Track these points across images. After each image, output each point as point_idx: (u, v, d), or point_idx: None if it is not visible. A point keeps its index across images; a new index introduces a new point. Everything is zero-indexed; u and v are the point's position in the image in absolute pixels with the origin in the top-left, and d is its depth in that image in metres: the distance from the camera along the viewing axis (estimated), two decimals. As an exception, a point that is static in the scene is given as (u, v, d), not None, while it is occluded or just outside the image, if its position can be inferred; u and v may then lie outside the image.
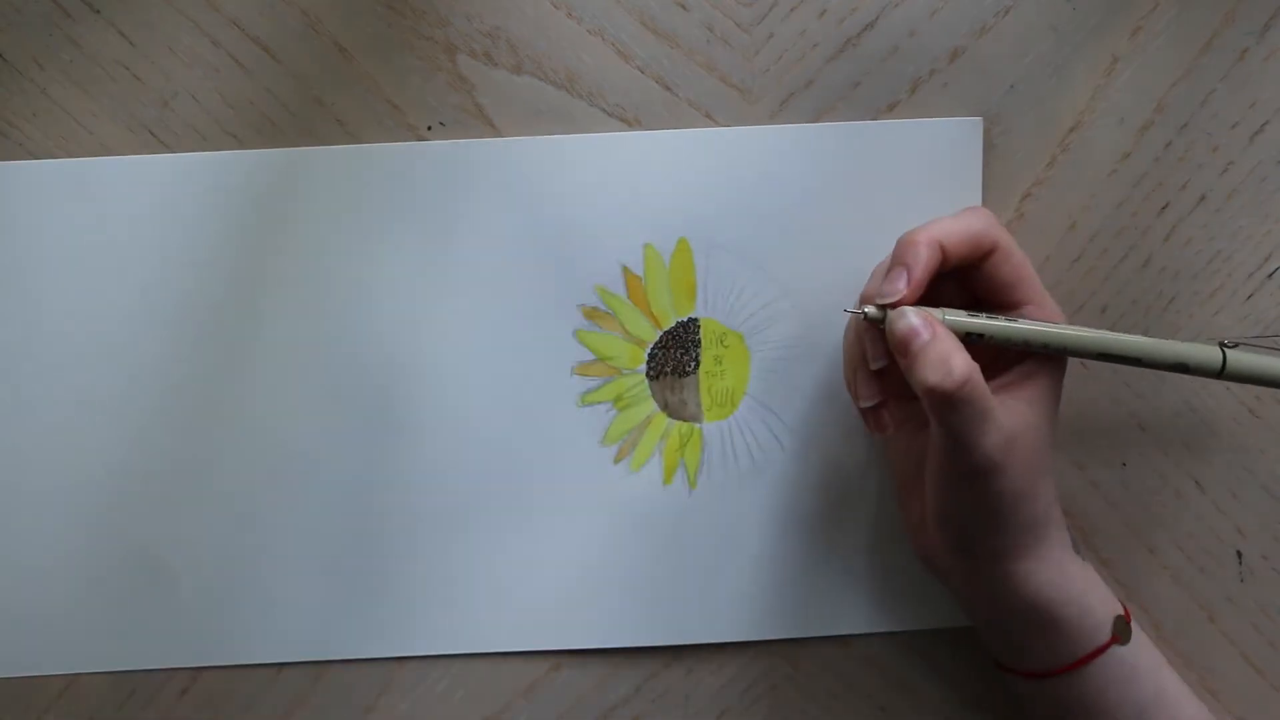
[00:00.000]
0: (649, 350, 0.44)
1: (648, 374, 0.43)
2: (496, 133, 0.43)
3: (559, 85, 0.43)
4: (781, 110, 0.43)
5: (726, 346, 0.44)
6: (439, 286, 0.43)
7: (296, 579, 0.43)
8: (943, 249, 0.36)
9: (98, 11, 0.41)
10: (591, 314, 0.43)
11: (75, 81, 0.41)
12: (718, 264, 0.43)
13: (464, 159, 0.42)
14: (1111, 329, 0.39)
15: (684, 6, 0.43)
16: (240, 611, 0.43)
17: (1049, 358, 0.37)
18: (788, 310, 0.43)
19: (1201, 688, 0.44)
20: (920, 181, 0.43)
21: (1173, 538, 0.44)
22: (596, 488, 0.43)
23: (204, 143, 0.42)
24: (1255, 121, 0.44)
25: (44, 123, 0.41)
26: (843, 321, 0.42)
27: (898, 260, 0.36)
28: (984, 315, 0.35)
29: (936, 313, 0.35)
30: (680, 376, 0.43)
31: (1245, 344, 0.34)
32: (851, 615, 0.44)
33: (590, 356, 0.43)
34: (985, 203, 0.44)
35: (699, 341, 0.43)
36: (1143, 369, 0.37)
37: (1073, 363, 0.43)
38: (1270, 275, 0.44)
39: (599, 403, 0.44)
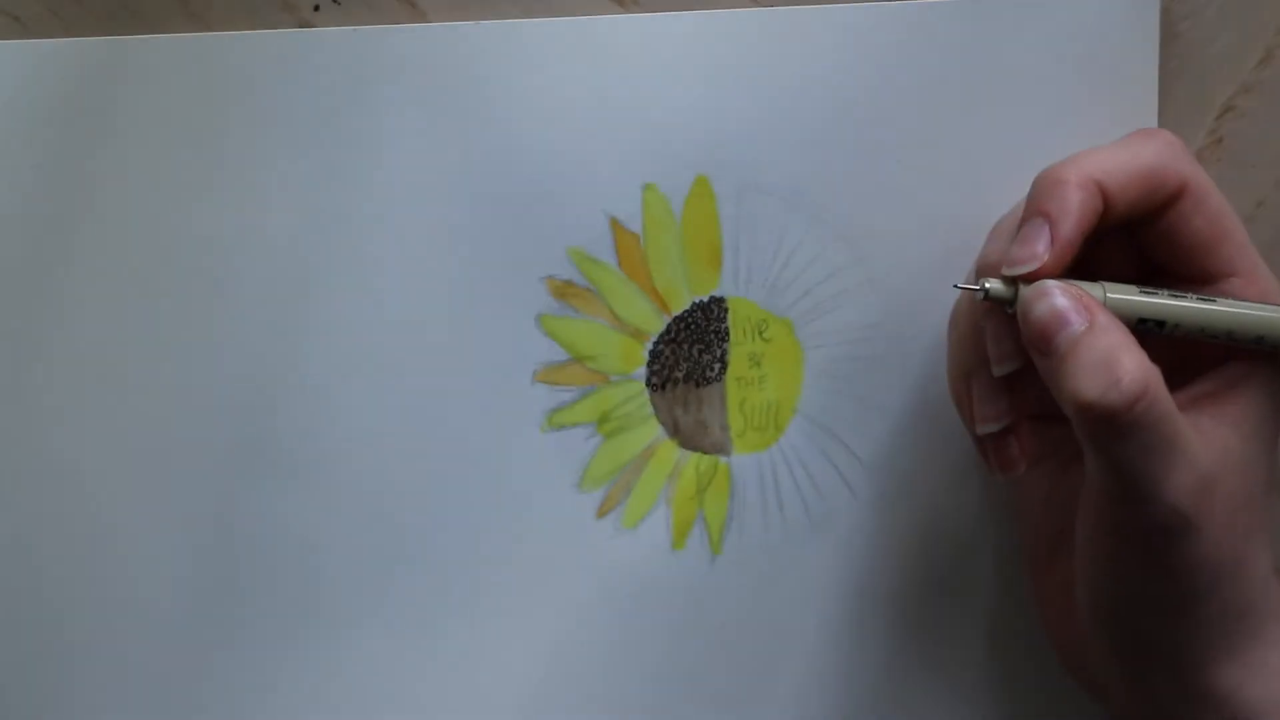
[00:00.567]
0: (650, 346, 0.36)
1: (648, 382, 0.36)
2: (420, 16, 0.36)
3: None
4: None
5: (768, 340, 0.37)
6: (330, 250, 0.37)
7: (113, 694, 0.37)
8: (1103, 192, 0.30)
9: None
10: (563, 291, 0.36)
11: None
12: (754, 215, 0.36)
13: (368, 54, 0.36)
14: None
15: None
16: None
17: (1266, 358, 0.31)
18: (860, 285, 0.37)
19: None
20: (1066, 88, 0.36)
21: None
22: (570, 554, 0.37)
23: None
24: None
25: None
26: (946, 304, 0.35)
27: (1035, 210, 0.31)
28: (1165, 293, 0.30)
29: (1094, 289, 0.30)
30: (698, 386, 0.36)
31: None
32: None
33: (561, 355, 0.36)
34: (1164, 122, 0.37)
35: (726, 333, 0.37)
36: None
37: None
38: None
39: (574, 425, 0.36)
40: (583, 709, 0.36)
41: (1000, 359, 0.31)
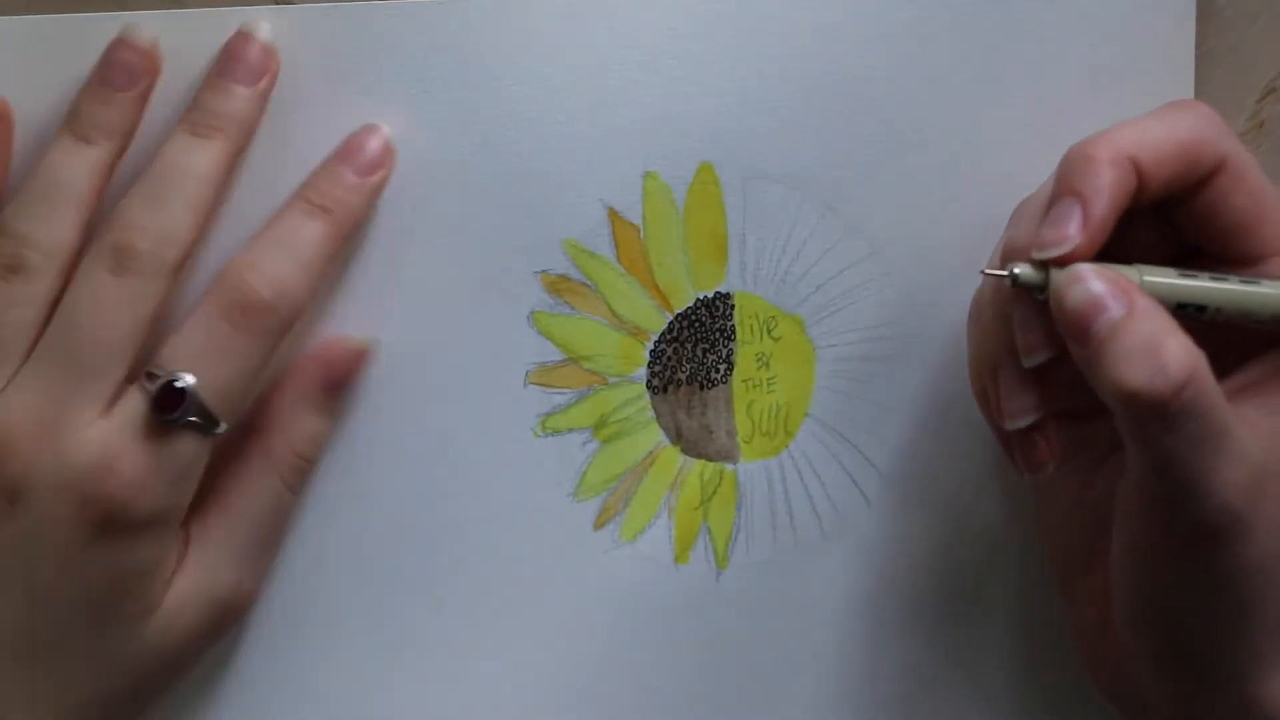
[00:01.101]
0: (651, 345, 0.35)
1: (649, 384, 0.35)
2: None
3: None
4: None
5: (776, 338, 0.37)
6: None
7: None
8: (1137, 168, 0.30)
9: None
10: (558, 286, 0.35)
11: None
12: (762, 205, 0.35)
13: (353, 34, 0.34)
14: None
15: None
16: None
17: None
18: (875, 279, 0.37)
19: None
20: (1096, 69, 0.35)
21: None
22: (565, 568, 0.37)
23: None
24: None
25: None
26: (966, 300, 0.34)
27: (1065, 188, 0.30)
28: (1206, 275, 0.30)
29: (1131, 271, 0.30)
30: (703, 388, 0.36)
31: None
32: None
33: (556, 355, 0.35)
34: (1201, 97, 0.36)
35: (732, 331, 0.36)
36: None
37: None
38: None
39: (569, 430, 0.35)
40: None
41: (1030, 349, 0.30)
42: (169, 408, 0.29)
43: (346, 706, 0.36)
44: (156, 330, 0.31)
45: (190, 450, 0.30)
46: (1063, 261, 0.29)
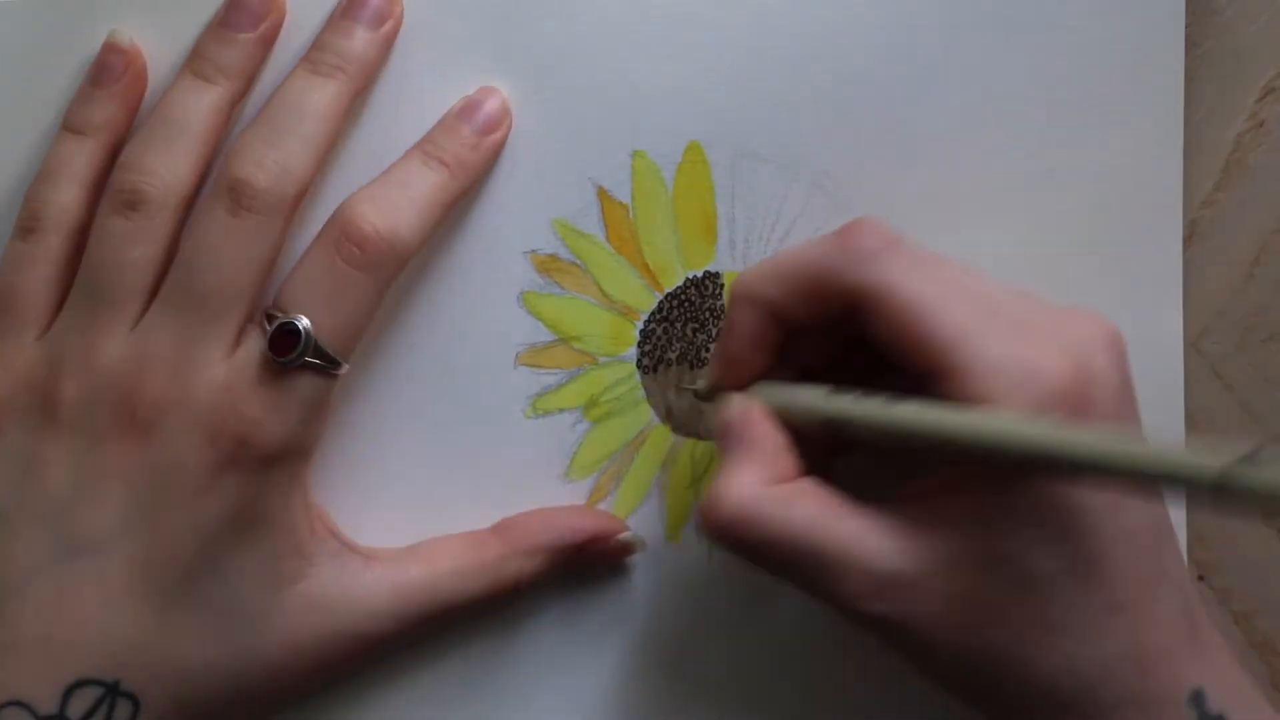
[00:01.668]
0: (641, 325, 0.34)
1: (639, 364, 0.34)
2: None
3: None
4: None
5: None
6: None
7: None
8: (768, 303, 0.30)
9: None
10: (547, 266, 0.34)
11: None
12: (751, 184, 0.34)
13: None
14: None
15: None
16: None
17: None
18: None
19: None
20: (1084, 54, 0.34)
21: None
22: None
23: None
24: None
25: None
26: None
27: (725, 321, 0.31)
28: (852, 395, 0.29)
29: (765, 391, 0.30)
30: (693, 367, 0.35)
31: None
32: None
33: (546, 336, 0.34)
34: (1201, 105, 0.35)
35: (723, 310, 0.35)
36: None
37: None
38: None
39: (560, 411, 0.34)
40: (573, 711, 0.35)
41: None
42: (284, 350, 0.29)
43: (337, 687, 0.34)
44: (275, 266, 0.31)
45: (310, 390, 0.29)
46: (709, 394, 0.31)
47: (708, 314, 0.34)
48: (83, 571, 0.28)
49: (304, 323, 0.29)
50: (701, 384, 0.32)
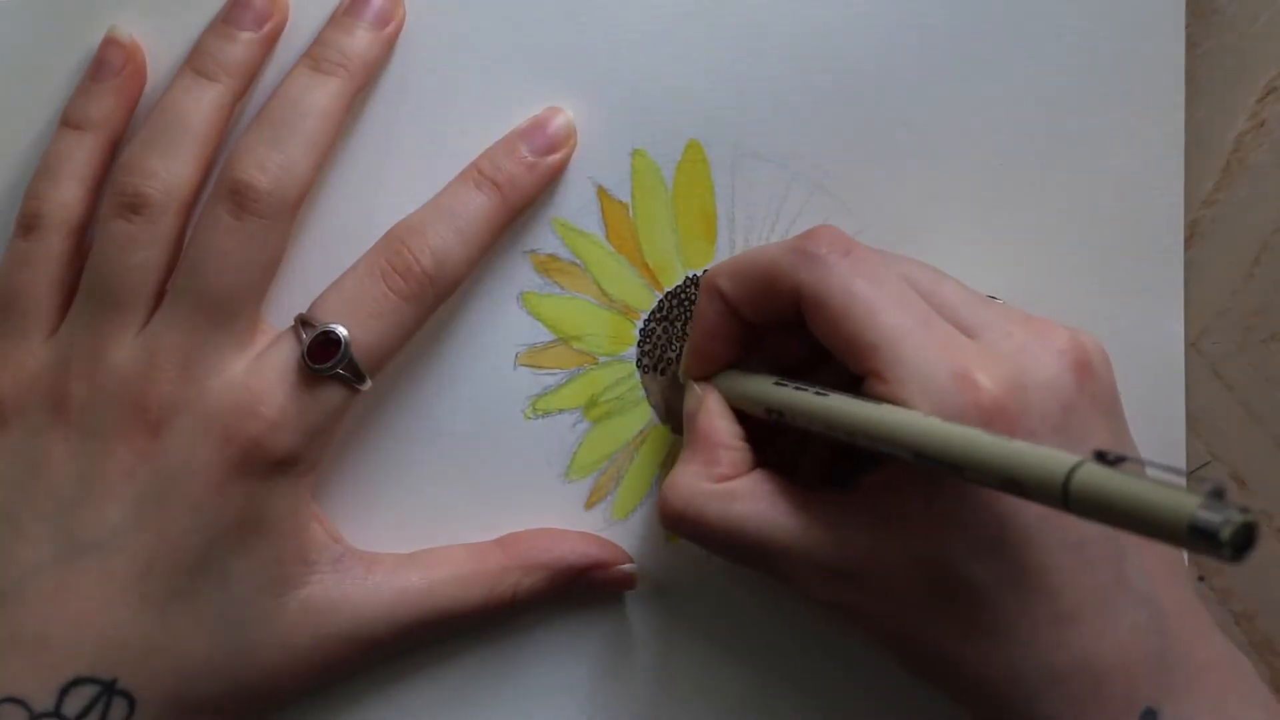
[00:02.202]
0: (642, 324, 0.34)
1: (639, 363, 0.34)
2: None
3: None
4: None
5: None
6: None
7: None
8: (724, 296, 0.31)
9: None
10: (546, 266, 0.34)
11: None
12: (751, 182, 0.34)
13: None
14: None
15: None
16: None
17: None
18: None
19: None
20: (1084, 52, 0.34)
21: None
22: None
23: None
24: None
25: None
26: (953, 271, 0.32)
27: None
28: (791, 385, 0.30)
29: (722, 379, 0.32)
30: None
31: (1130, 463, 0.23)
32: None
33: (545, 336, 0.34)
34: (1202, 104, 0.35)
35: None
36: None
37: None
38: None
39: (560, 411, 0.34)
40: (573, 709, 0.34)
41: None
42: (321, 358, 0.29)
43: (338, 685, 0.34)
44: (279, 263, 0.31)
45: (333, 402, 0.29)
46: (684, 378, 0.32)
47: (708, 314, 0.33)
48: (85, 570, 0.28)
49: (343, 333, 0.29)
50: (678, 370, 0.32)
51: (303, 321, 0.29)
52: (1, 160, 0.32)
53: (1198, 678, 0.28)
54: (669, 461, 0.34)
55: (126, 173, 0.30)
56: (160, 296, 0.30)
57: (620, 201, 0.33)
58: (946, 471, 0.25)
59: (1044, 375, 0.27)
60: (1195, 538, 0.21)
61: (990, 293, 0.31)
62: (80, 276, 0.30)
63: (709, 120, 0.33)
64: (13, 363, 0.30)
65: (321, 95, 0.30)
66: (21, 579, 0.28)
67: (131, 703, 0.28)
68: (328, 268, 0.31)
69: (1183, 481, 0.24)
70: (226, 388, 0.29)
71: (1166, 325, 0.34)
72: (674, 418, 0.34)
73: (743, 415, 0.31)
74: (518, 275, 0.33)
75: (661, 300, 0.34)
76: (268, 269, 0.30)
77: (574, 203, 0.33)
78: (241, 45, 0.30)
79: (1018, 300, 0.32)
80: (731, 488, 0.30)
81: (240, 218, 0.29)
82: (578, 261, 0.33)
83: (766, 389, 0.30)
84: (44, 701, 0.28)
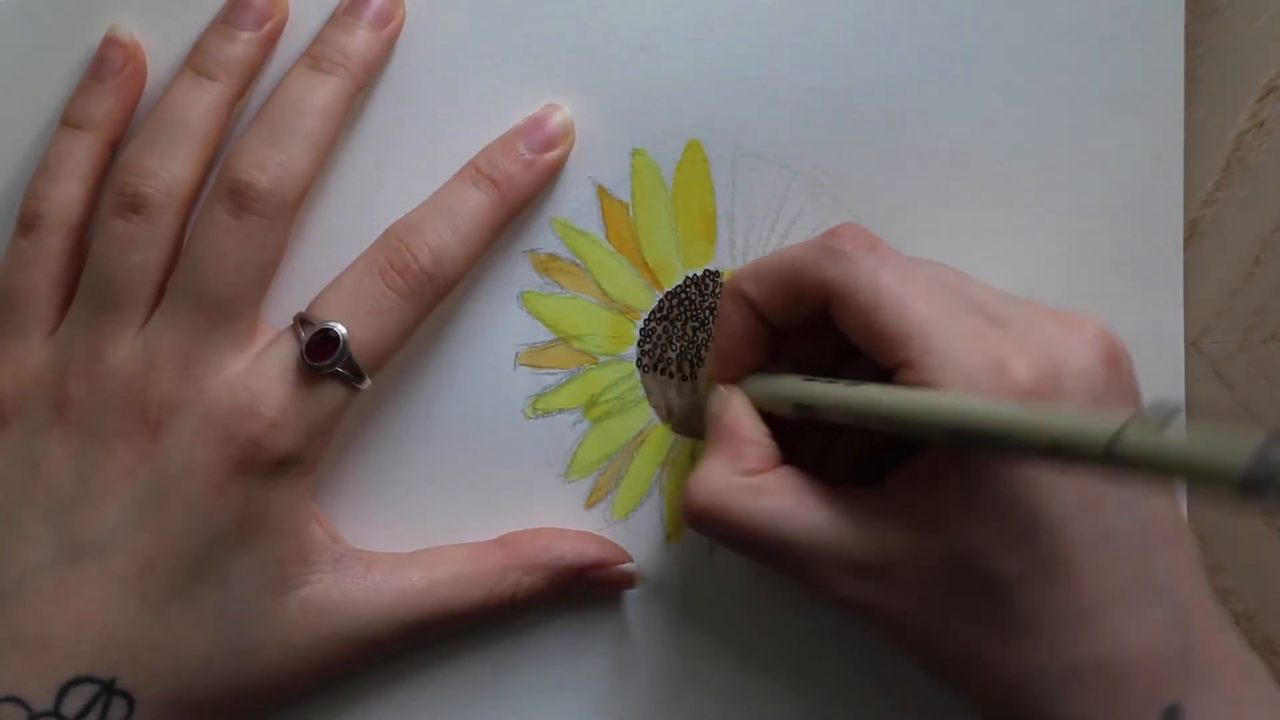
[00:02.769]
0: (641, 324, 0.34)
1: (639, 363, 0.34)
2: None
3: None
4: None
5: None
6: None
7: None
8: (749, 299, 0.31)
9: None
10: (546, 265, 0.33)
11: None
12: (751, 182, 0.34)
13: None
14: None
15: None
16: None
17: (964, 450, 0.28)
18: None
19: None
20: (1084, 51, 0.34)
21: None
22: None
23: None
24: None
25: None
26: None
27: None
28: (822, 380, 0.30)
29: (750, 382, 0.32)
30: (693, 366, 0.34)
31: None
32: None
33: (545, 335, 0.34)
34: (1201, 104, 0.34)
35: None
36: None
37: None
38: None
39: (560, 411, 0.34)
40: (573, 708, 0.34)
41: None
42: (320, 356, 0.29)
43: (338, 686, 0.34)
44: (279, 262, 0.31)
45: (332, 401, 0.29)
46: (709, 385, 0.32)
47: (708, 312, 0.34)
48: (85, 570, 0.28)
49: (341, 331, 0.29)
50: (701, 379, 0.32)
51: (301, 320, 0.29)
52: (1, 160, 0.32)
53: (1218, 676, 0.28)
54: (669, 462, 0.34)
55: (126, 172, 0.29)
56: (160, 296, 0.30)
57: (620, 201, 0.33)
58: (986, 449, 0.25)
59: (1077, 364, 0.27)
60: (1253, 481, 0.21)
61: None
62: (80, 276, 0.30)
63: (709, 120, 0.33)
64: (12, 362, 0.29)
65: (321, 95, 0.30)
66: (21, 579, 0.28)
67: (131, 702, 0.28)
68: (328, 268, 0.31)
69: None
70: (226, 387, 0.29)
71: (1166, 325, 0.34)
72: (674, 418, 0.34)
73: (767, 417, 0.31)
74: (518, 275, 0.33)
75: (661, 300, 0.33)
76: (267, 268, 0.30)
77: (574, 202, 0.33)
78: (241, 45, 0.30)
79: (1018, 300, 0.32)
80: (759, 482, 0.29)
81: (240, 217, 0.29)
82: (578, 261, 0.33)
83: (795, 384, 0.30)
84: (43, 701, 0.28)
